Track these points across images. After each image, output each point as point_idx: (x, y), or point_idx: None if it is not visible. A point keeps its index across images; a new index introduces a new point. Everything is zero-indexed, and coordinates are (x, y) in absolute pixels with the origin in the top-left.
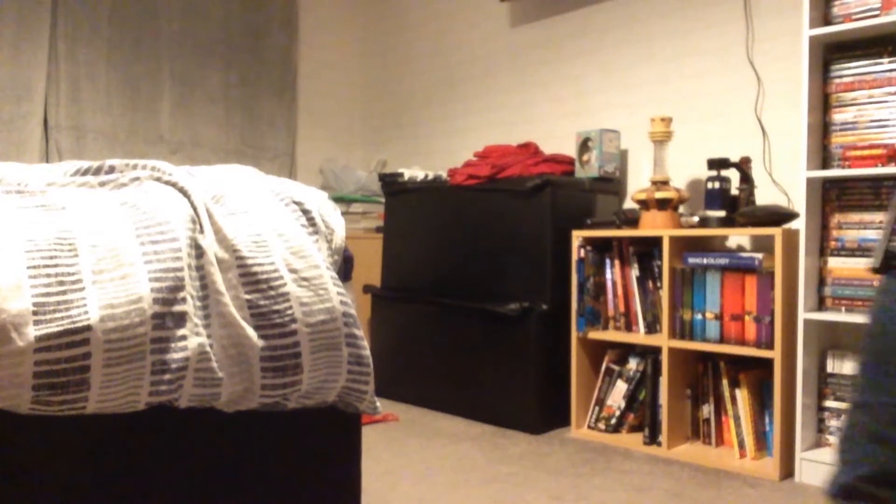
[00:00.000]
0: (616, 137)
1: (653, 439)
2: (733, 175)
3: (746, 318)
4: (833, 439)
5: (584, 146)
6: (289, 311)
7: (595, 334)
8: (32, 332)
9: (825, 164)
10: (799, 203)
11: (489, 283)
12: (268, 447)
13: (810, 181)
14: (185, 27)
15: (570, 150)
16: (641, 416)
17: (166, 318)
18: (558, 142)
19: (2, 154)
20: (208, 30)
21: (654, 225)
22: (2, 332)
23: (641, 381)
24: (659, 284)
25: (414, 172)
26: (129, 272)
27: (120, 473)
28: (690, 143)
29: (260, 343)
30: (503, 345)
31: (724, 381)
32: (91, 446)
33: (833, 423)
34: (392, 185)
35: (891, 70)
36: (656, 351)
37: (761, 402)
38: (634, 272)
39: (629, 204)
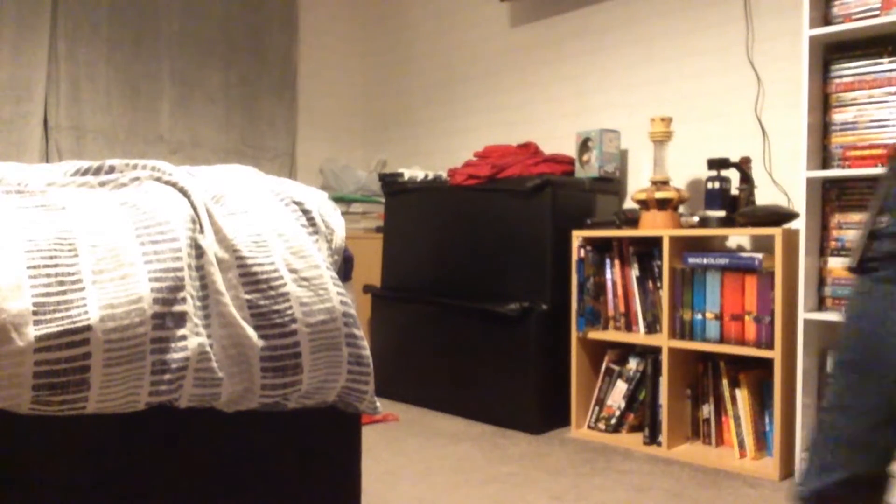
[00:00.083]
0: (616, 137)
1: (653, 439)
2: (733, 175)
3: (746, 318)
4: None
5: (584, 146)
6: (289, 311)
7: (595, 334)
8: (32, 332)
9: (825, 164)
10: (799, 203)
11: (489, 283)
12: (268, 447)
13: (810, 181)
14: (185, 27)
15: (570, 150)
16: (641, 416)
17: (166, 318)
18: (558, 142)
19: (2, 154)
20: (208, 30)
21: (654, 225)
22: (2, 332)
23: (641, 381)
24: (659, 284)
25: (414, 172)
26: (129, 272)
27: (120, 473)
28: (690, 143)
29: (260, 343)
30: (503, 345)
31: (724, 381)
32: (91, 446)
33: None
34: (392, 185)
35: (891, 70)
36: (656, 351)
37: (761, 402)
38: (634, 272)
39: (629, 204)
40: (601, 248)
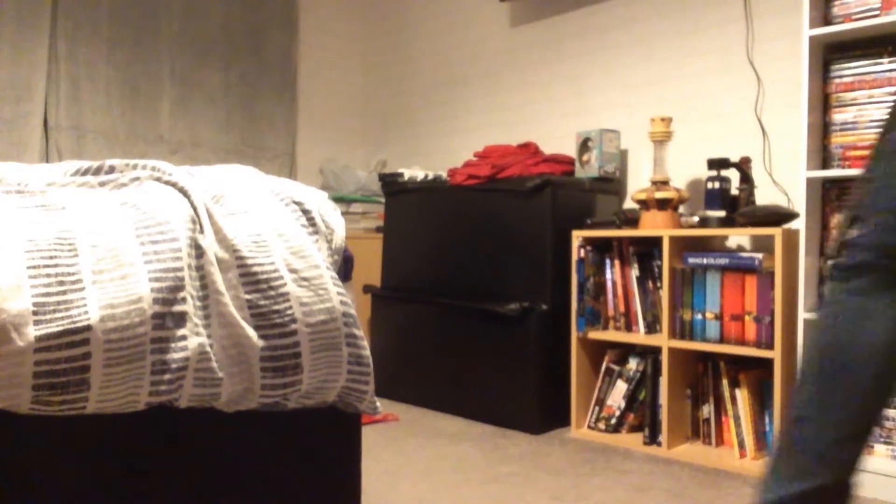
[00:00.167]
0: (616, 137)
1: (653, 439)
2: (733, 175)
3: (746, 318)
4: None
5: (584, 146)
6: (289, 311)
7: (595, 334)
8: (32, 332)
9: (825, 164)
10: (799, 203)
11: (489, 283)
12: (268, 447)
13: (810, 181)
14: (185, 27)
15: (570, 150)
16: (641, 416)
17: (166, 318)
18: (558, 142)
19: (2, 154)
20: (208, 30)
21: (654, 225)
22: (2, 332)
23: (641, 381)
24: (659, 284)
25: (414, 172)
26: (129, 272)
27: (120, 473)
28: (690, 143)
29: (260, 343)
30: (503, 345)
31: (724, 381)
32: (91, 446)
33: None
34: (392, 185)
35: (891, 70)
36: (656, 351)
37: (761, 402)
38: (634, 272)
39: (629, 204)
40: (601, 248)
